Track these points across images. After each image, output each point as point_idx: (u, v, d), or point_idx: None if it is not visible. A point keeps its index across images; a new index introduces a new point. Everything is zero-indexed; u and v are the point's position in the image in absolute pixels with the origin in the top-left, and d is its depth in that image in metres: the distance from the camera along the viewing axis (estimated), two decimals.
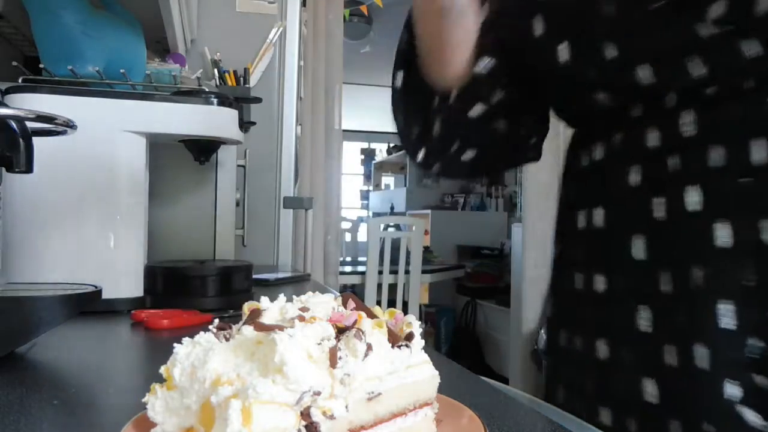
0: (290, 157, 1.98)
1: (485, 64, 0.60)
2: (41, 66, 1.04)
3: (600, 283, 0.56)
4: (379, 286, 3.32)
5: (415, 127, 0.67)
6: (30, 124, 0.66)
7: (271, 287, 1.30)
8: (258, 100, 1.55)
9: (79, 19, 1.04)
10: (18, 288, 0.74)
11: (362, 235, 5.21)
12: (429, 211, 5.31)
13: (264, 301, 0.40)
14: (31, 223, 0.89)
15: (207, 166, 1.26)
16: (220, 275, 0.98)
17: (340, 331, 0.37)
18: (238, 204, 1.40)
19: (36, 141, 0.66)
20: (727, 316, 0.46)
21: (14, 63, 1.08)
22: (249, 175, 1.61)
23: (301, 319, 0.36)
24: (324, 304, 0.40)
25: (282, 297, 0.40)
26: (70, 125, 0.71)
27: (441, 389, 0.42)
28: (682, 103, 0.50)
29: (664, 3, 0.46)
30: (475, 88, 0.61)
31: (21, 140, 0.64)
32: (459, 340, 4.37)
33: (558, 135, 2.85)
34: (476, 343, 4.19)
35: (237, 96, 1.40)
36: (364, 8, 3.89)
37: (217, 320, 0.38)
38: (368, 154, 7.57)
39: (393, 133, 0.71)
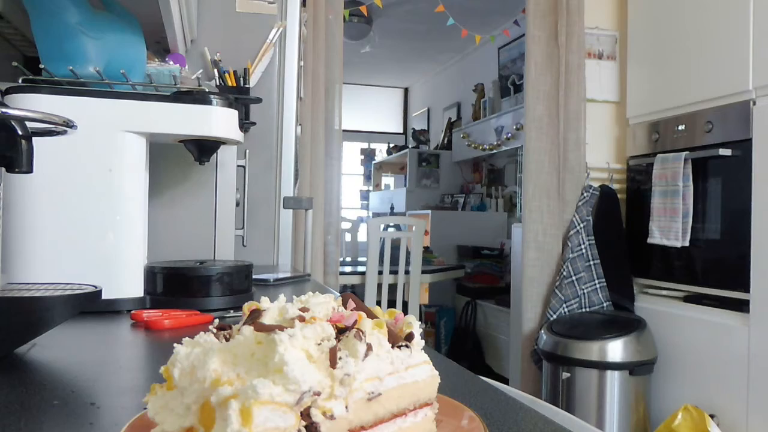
0: (290, 157, 1.97)
1: None
2: (41, 66, 1.04)
3: None
4: (379, 286, 3.32)
5: None
6: (30, 124, 0.66)
7: (271, 287, 1.30)
8: (258, 100, 1.55)
9: (79, 19, 1.04)
10: (18, 288, 0.73)
11: (362, 235, 5.21)
12: (429, 211, 5.31)
13: (264, 301, 0.40)
14: (31, 223, 0.89)
15: (207, 166, 1.26)
16: (220, 275, 0.98)
17: (340, 332, 0.37)
18: (238, 204, 1.40)
19: (36, 141, 0.66)
20: None
21: (14, 63, 1.08)
22: (249, 175, 1.61)
23: (301, 319, 0.36)
24: (324, 305, 0.40)
25: (282, 297, 0.40)
26: (70, 125, 0.71)
27: (441, 389, 0.42)
28: None
29: None
30: None
31: (21, 140, 0.64)
32: (459, 340, 4.37)
33: (558, 138, 2.84)
34: (476, 343, 4.19)
35: (237, 96, 1.40)
36: (364, 8, 3.88)
37: (217, 320, 0.38)
38: (368, 154, 7.56)
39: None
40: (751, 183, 2.00)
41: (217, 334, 0.36)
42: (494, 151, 4.91)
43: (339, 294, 0.44)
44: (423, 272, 3.46)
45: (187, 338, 0.36)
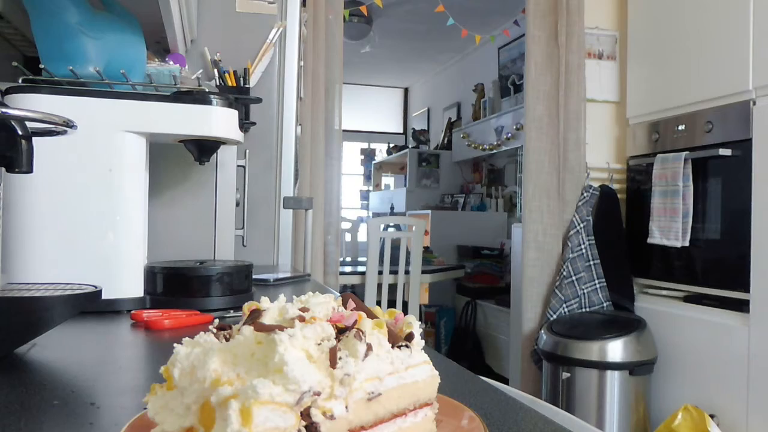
0: (290, 157, 1.98)
1: None
2: (41, 66, 1.04)
3: None
4: (379, 286, 3.32)
5: None
6: (30, 124, 0.66)
7: (271, 287, 1.30)
8: (258, 100, 1.55)
9: (79, 19, 1.04)
10: (18, 288, 0.73)
11: (362, 235, 5.21)
12: (429, 211, 5.31)
13: (264, 301, 0.40)
14: (31, 223, 0.89)
15: (207, 166, 1.26)
16: (220, 275, 0.98)
17: (340, 332, 0.37)
18: (238, 204, 1.40)
19: (36, 141, 0.66)
20: None
21: (14, 63, 1.08)
22: (249, 175, 1.61)
23: (301, 319, 0.36)
24: (324, 305, 0.40)
25: (282, 297, 0.40)
26: (70, 125, 0.71)
27: (441, 389, 0.42)
28: None
29: None
30: None
31: (21, 140, 0.64)
32: (459, 340, 4.37)
33: (558, 138, 2.84)
34: (476, 343, 4.19)
35: (237, 96, 1.40)
36: (364, 8, 3.88)
37: (217, 320, 0.38)
38: (368, 154, 7.56)
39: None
40: (751, 183, 2.00)
41: (217, 334, 0.36)
42: (494, 151, 4.91)
43: (339, 294, 0.44)
44: (423, 272, 3.46)
45: (187, 338, 0.36)
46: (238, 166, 1.37)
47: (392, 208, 6.48)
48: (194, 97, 0.99)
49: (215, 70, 1.76)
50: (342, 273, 3.13)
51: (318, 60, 2.53)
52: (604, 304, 2.55)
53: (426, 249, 4.03)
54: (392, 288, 3.39)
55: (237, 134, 1.05)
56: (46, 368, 0.63)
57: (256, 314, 0.38)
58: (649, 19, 2.55)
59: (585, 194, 2.60)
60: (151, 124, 0.96)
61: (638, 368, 2.27)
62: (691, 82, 2.30)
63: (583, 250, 2.56)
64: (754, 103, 2.03)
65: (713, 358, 2.13)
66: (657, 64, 2.49)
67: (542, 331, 2.46)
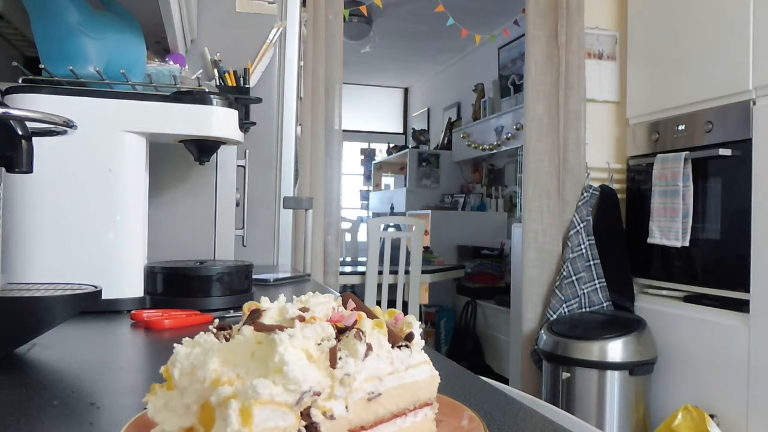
0: (290, 157, 1.97)
1: None
2: (41, 66, 1.04)
3: None
4: (379, 286, 3.32)
5: None
6: (30, 124, 0.66)
7: (271, 287, 1.30)
8: (258, 100, 1.55)
9: (79, 19, 1.04)
10: (18, 288, 0.73)
11: (362, 235, 5.21)
12: (429, 211, 5.31)
13: (264, 301, 0.40)
14: (31, 223, 0.89)
15: (207, 166, 1.26)
16: (220, 275, 0.98)
17: (340, 332, 0.37)
18: (238, 204, 1.40)
19: (36, 141, 0.66)
20: None
21: (14, 63, 1.08)
22: (249, 175, 1.61)
23: (301, 319, 0.36)
24: (324, 305, 0.40)
25: (282, 297, 0.40)
26: (70, 125, 0.71)
27: (441, 389, 0.42)
28: None
29: None
30: None
31: (21, 140, 0.64)
32: (459, 340, 4.37)
33: (558, 138, 2.84)
34: (476, 343, 4.19)
35: (237, 96, 1.40)
36: (364, 8, 3.88)
37: (217, 320, 0.38)
38: (368, 154, 7.56)
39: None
40: (751, 183, 2.00)
41: (217, 334, 0.36)
42: (494, 151, 4.91)
43: (339, 294, 0.44)
44: (423, 272, 3.46)
45: (187, 338, 0.36)
46: (238, 166, 1.37)
47: (392, 208, 6.48)
48: (194, 97, 0.99)
49: (215, 70, 1.76)
50: (342, 273, 3.13)
51: (318, 60, 2.53)
52: (604, 304, 2.55)
53: (426, 249, 4.03)
54: (392, 288, 3.39)
55: (237, 134, 1.05)
56: (46, 368, 0.63)
57: (256, 314, 0.38)
58: (649, 19, 2.55)
59: (585, 194, 2.60)
60: (151, 124, 0.96)
61: (638, 368, 2.27)
62: (691, 82, 2.30)
63: (583, 250, 2.56)
64: (754, 103, 2.03)
65: (713, 358, 2.13)
66: (657, 64, 2.49)
67: (542, 331, 2.46)
